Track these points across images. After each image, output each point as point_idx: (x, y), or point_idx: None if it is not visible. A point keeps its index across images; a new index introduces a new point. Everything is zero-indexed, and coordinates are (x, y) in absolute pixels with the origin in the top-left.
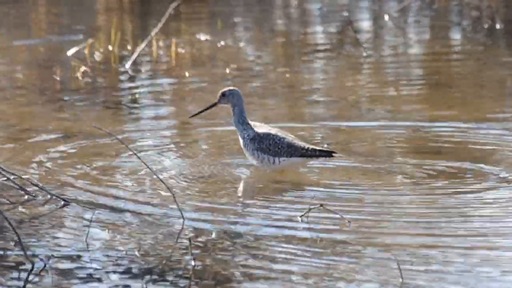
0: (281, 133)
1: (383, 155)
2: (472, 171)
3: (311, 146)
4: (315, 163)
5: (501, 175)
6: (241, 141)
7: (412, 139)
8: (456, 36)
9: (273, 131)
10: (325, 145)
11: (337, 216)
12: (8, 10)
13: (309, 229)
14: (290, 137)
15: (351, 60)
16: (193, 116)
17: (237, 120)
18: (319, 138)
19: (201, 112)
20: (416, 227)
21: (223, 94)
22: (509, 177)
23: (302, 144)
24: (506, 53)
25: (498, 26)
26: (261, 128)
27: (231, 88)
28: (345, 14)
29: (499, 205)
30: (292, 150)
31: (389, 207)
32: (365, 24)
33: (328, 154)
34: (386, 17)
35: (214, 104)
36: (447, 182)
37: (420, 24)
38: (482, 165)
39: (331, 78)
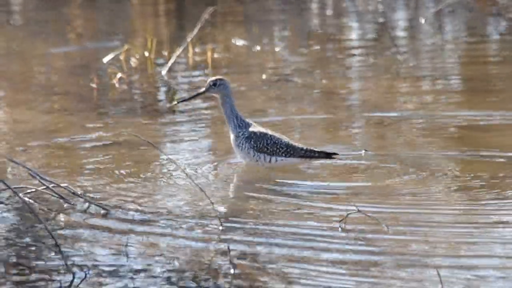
0: (273, 132)
1: (422, 158)
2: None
3: (310, 147)
4: (352, 163)
5: None
6: (231, 136)
7: (450, 142)
8: (493, 38)
9: (263, 129)
10: (363, 150)
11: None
12: (45, 18)
13: (347, 236)
14: (283, 137)
15: (387, 63)
16: (179, 102)
17: (230, 112)
18: (356, 142)
19: (188, 99)
20: (457, 235)
21: (214, 84)
22: None
23: (300, 145)
24: None
25: None
26: (252, 126)
27: (221, 77)
28: (381, 17)
29: None
30: (291, 151)
31: (428, 212)
32: (401, 26)
33: (327, 155)
34: (422, 20)
35: (202, 93)
36: (487, 189)
37: (456, 26)
38: None
39: (367, 82)
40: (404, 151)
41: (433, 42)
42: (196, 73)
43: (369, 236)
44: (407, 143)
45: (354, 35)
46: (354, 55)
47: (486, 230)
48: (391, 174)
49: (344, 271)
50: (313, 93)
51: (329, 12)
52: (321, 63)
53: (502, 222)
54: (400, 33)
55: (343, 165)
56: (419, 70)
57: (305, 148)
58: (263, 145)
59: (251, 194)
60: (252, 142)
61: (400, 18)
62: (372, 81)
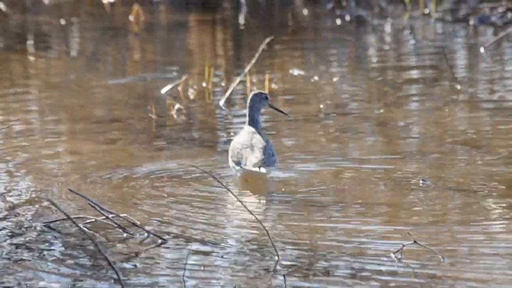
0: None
1: (478, 190)
2: None
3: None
4: (409, 192)
5: None
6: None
7: (506, 174)
8: None
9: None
10: (421, 181)
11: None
12: (103, 49)
13: (403, 266)
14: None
15: (446, 94)
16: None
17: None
18: (414, 173)
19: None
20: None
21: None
22: None
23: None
24: None
25: None
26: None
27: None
28: (440, 48)
29: None
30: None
31: (482, 244)
32: (460, 57)
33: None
34: (482, 50)
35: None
36: None
37: None
38: None
39: (426, 114)
40: (462, 182)
41: (492, 71)
42: None
43: (426, 264)
44: (465, 175)
45: (412, 65)
46: (412, 85)
47: None
48: (447, 204)
49: None
50: (370, 123)
51: (387, 40)
52: (379, 93)
53: None
54: (459, 62)
55: (400, 195)
56: (477, 99)
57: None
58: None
59: (305, 222)
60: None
61: (459, 47)
62: (429, 111)
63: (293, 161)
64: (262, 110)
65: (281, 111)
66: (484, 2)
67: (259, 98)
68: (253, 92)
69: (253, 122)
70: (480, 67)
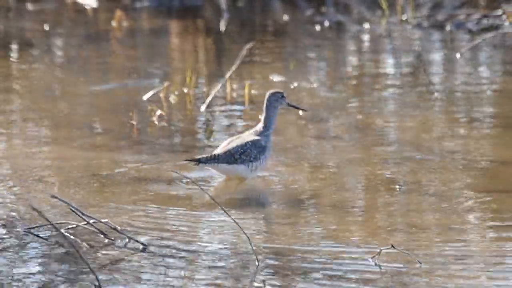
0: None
1: (454, 195)
2: None
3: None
4: (387, 197)
5: None
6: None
7: (483, 179)
8: None
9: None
10: (397, 186)
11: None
12: (86, 56)
13: (380, 270)
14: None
15: (423, 99)
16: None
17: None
18: (391, 179)
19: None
20: (490, 271)
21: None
22: None
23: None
24: None
25: None
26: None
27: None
28: (417, 53)
29: None
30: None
31: (459, 248)
32: (437, 62)
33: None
34: (458, 55)
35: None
36: None
37: (492, 61)
38: None
39: (403, 119)
40: (438, 187)
41: (467, 77)
42: (234, 108)
43: (402, 268)
44: (440, 179)
45: (390, 70)
46: (389, 91)
47: None
48: (424, 209)
49: None
50: (348, 128)
51: (365, 46)
52: (357, 99)
53: None
54: (436, 68)
55: (377, 199)
56: (453, 106)
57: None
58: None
59: (286, 227)
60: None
61: (436, 53)
62: (406, 117)
63: (272, 164)
64: (277, 112)
65: (301, 108)
66: (461, 8)
67: (276, 98)
68: (269, 92)
69: (268, 122)
70: (456, 72)
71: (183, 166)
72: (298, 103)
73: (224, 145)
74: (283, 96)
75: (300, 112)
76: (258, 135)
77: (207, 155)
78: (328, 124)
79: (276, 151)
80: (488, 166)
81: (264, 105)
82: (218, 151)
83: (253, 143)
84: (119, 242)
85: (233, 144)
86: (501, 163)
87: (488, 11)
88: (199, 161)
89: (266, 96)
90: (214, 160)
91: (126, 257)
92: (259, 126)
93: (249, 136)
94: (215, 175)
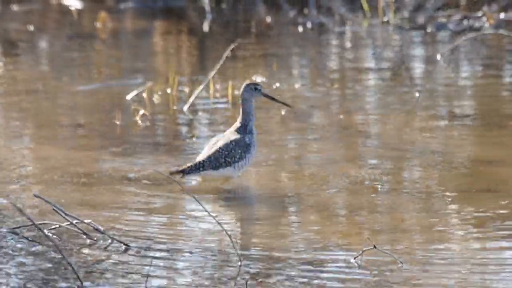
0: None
1: (436, 195)
2: None
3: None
4: (368, 197)
5: None
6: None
7: (463, 179)
8: (509, 75)
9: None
10: (379, 187)
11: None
12: (71, 56)
13: (363, 273)
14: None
15: (404, 99)
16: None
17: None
18: (372, 179)
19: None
20: (471, 271)
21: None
22: None
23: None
24: None
25: None
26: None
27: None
28: (398, 54)
29: None
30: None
31: (441, 249)
32: (418, 64)
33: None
34: (439, 57)
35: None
36: (500, 226)
37: (472, 63)
38: None
39: (385, 120)
40: (420, 187)
41: (448, 78)
42: (217, 108)
43: (383, 269)
44: (422, 179)
45: (372, 71)
46: (371, 91)
47: (501, 268)
48: (405, 209)
49: None
50: (330, 129)
51: (347, 47)
52: (339, 98)
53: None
54: (417, 69)
55: (359, 199)
56: (434, 106)
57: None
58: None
59: (267, 228)
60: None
61: (417, 54)
62: (388, 117)
63: (255, 164)
64: (253, 104)
65: (281, 102)
66: (441, 10)
67: (247, 90)
68: (244, 83)
69: (245, 116)
70: (437, 74)
71: (166, 166)
72: (280, 104)
73: (207, 149)
74: (256, 88)
75: (283, 112)
76: (239, 133)
77: (191, 165)
78: (311, 124)
79: (259, 150)
80: (470, 165)
81: (240, 99)
82: (202, 156)
83: (236, 142)
84: (102, 243)
85: (216, 147)
86: (483, 162)
87: (469, 13)
88: (183, 172)
89: (241, 89)
90: (198, 169)
91: (108, 258)
92: (237, 122)
93: (231, 135)
94: (198, 176)
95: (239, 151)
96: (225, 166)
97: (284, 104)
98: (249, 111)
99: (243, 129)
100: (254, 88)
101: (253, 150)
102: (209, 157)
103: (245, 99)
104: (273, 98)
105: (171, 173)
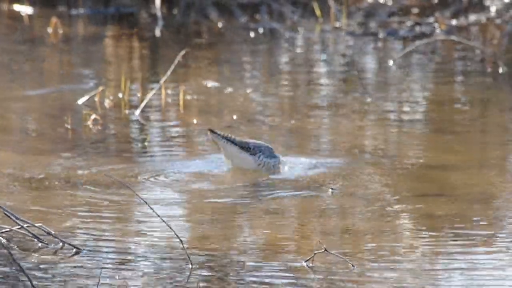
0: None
1: (387, 199)
2: (478, 217)
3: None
4: (319, 201)
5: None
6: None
7: (414, 184)
8: (459, 80)
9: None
10: (330, 190)
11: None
12: (21, 61)
13: (314, 276)
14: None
15: (356, 106)
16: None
17: None
18: (323, 182)
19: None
20: (422, 275)
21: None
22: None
23: None
24: (510, 97)
25: (501, 70)
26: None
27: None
28: (350, 59)
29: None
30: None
31: (392, 252)
32: (370, 69)
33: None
34: (391, 62)
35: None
36: (450, 230)
37: (424, 69)
38: (486, 211)
39: (336, 125)
40: (372, 191)
41: (400, 83)
42: (168, 113)
43: (335, 272)
44: (373, 183)
45: (323, 76)
46: (323, 97)
47: (451, 271)
48: (357, 212)
49: None
50: (282, 132)
51: (299, 53)
52: (291, 104)
53: (467, 262)
54: (369, 75)
55: (311, 202)
56: (386, 111)
57: None
58: None
59: (218, 231)
60: None
61: (369, 60)
62: (339, 122)
63: (206, 169)
64: None
65: None
66: (393, 16)
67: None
68: None
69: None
70: (388, 79)
71: (117, 170)
72: (232, 109)
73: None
74: None
75: (234, 116)
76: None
77: (224, 134)
78: (262, 128)
79: (212, 155)
80: (421, 170)
81: None
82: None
83: (268, 146)
84: (53, 246)
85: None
86: (433, 167)
87: (421, 19)
88: (211, 131)
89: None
90: (227, 139)
91: (60, 261)
92: None
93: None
94: (148, 180)
95: (267, 152)
96: (249, 154)
97: None
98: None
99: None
100: None
101: (279, 163)
102: (243, 139)
103: None
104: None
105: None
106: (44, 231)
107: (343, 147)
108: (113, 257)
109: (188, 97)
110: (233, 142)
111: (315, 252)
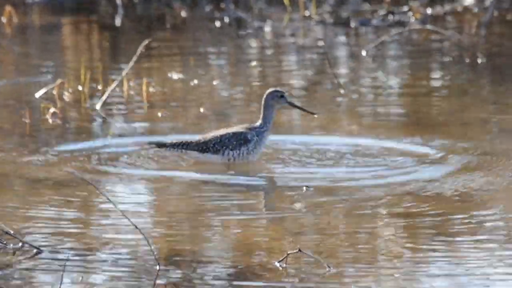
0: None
1: (363, 197)
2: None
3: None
4: (295, 199)
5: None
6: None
7: (391, 184)
8: (436, 71)
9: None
10: (304, 188)
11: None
12: None
13: (288, 276)
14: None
15: (328, 96)
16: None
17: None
18: (297, 178)
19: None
20: (398, 275)
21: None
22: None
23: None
24: (487, 88)
25: (479, 61)
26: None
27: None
28: (322, 49)
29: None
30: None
31: (367, 251)
32: (342, 60)
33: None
34: (363, 52)
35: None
36: (429, 227)
37: (399, 60)
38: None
39: (308, 118)
40: (346, 189)
41: (373, 74)
42: (131, 107)
43: (310, 273)
44: (348, 180)
45: (293, 67)
46: (293, 88)
47: (429, 269)
48: (332, 210)
49: None
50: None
51: (267, 43)
52: (259, 96)
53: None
54: (341, 65)
55: (284, 201)
56: (360, 103)
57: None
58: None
59: (186, 232)
60: None
61: (341, 50)
62: (311, 116)
63: (174, 165)
64: (275, 111)
65: (308, 111)
66: (365, 4)
67: (273, 96)
68: (268, 90)
69: (265, 120)
70: (362, 70)
71: (78, 167)
72: (198, 101)
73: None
74: (282, 96)
75: (201, 109)
76: (249, 129)
77: (175, 142)
78: (230, 122)
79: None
80: (397, 165)
81: (262, 103)
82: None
83: (234, 134)
84: (12, 247)
85: (214, 134)
86: (409, 161)
87: (394, 7)
88: (164, 146)
89: (264, 95)
90: (181, 147)
91: (19, 262)
92: (257, 123)
93: (238, 127)
94: (113, 176)
95: (234, 142)
96: (212, 153)
97: (308, 112)
98: (269, 118)
99: (255, 128)
100: (280, 95)
101: (254, 147)
102: (199, 140)
103: (270, 105)
104: (297, 107)
105: (150, 144)
106: (3, 230)
107: (316, 143)
108: (75, 257)
109: (152, 89)
110: (188, 146)
111: (289, 252)
